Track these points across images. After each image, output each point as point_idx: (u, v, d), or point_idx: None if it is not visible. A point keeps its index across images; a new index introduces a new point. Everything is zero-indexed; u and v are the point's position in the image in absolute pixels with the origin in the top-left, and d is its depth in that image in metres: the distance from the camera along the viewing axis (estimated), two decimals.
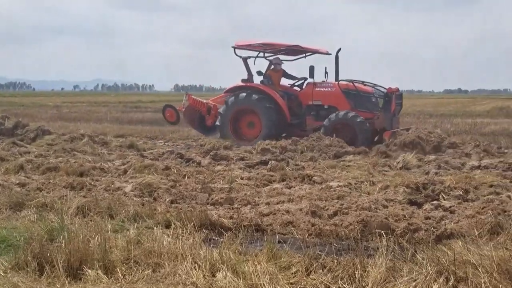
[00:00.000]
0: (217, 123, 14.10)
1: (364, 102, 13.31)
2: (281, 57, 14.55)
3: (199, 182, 7.57)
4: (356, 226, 5.21)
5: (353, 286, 3.66)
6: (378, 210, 5.77)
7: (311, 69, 13.47)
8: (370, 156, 10.48)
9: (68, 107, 36.41)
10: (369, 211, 5.66)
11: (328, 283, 3.70)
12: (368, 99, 13.44)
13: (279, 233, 5.20)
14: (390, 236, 4.85)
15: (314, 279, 3.76)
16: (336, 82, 13.56)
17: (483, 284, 3.55)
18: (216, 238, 4.94)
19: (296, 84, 14.63)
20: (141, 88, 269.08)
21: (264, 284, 3.63)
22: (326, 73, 13.75)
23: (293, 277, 3.84)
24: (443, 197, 6.45)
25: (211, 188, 7.15)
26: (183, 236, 4.74)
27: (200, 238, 4.75)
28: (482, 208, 5.76)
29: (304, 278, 3.82)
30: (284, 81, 14.70)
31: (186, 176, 8.09)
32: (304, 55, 14.53)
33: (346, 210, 5.80)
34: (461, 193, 6.60)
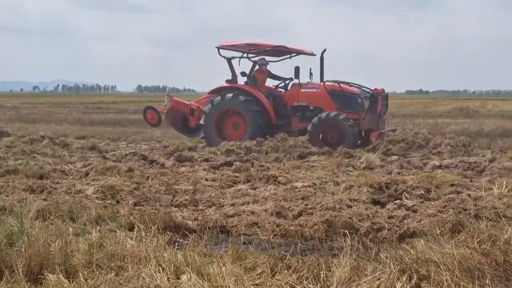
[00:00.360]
0: (201, 123, 13.77)
1: (350, 103, 13.17)
2: (266, 58, 14.36)
3: (163, 184, 7.49)
4: (320, 226, 5.23)
5: (318, 286, 3.68)
6: (342, 210, 5.81)
7: (297, 69, 13.29)
8: (334, 157, 10.56)
9: (27, 108, 35.67)
10: (334, 211, 5.69)
11: (293, 284, 3.70)
12: (354, 100, 13.31)
13: (244, 234, 5.18)
14: (354, 235, 4.90)
15: (279, 280, 3.76)
16: (322, 83, 13.40)
17: (445, 282, 3.61)
18: (181, 240, 4.89)
19: (280, 85, 14.46)
20: (103, 89, 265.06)
21: (229, 286, 3.61)
22: (311, 74, 13.56)
23: (259, 278, 3.83)
24: (406, 197, 6.54)
25: (175, 190, 7.08)
26: (146, 238, 4.68)
27: (164, 240, 4.69)
28: (444, 207, 5.86)
29: (269, 279, 3.81)
30: (269, 82, 14.58)
31: (150, 178, 8.00)
32: (289, 55, 14.31)
33: (311, 210, 5.82)
34: (423, 192, 6.70)
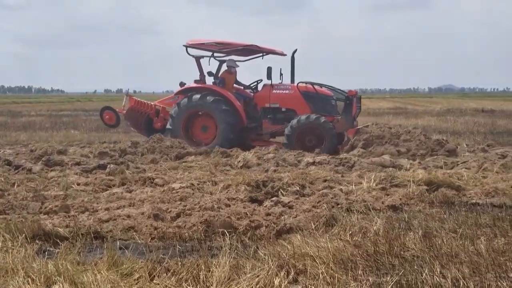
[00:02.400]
0: (168, 126, 13.02)
1: (324, 105, 12.81)
2: (235, 57, 13.77)
3: (30, 190, 7.03)
4: (199, 226, 5.19)
5: (198, 287, 3.63)
6: (221, 210, 5.81)
7: (269, 70, 12.74)
8: (211, 156, 10.57)
9: None
10: (212, 211, 5.68)
11: (172, 287, 3.63)
12: (327, 102, 12.97)
13: (120, 239, 5.00)
14: (233, 234, 4.95)
15: (158, 284, 3.68)
16: (295, 84, 13.00)
17: (320, 275, 3.72)
18: (52, 249, 4.61)
19: (250, 86, 13.86)
20: None
21: None
22: (281, 74, 13.06)
23: (136, 284, 3.72)
24: (282, 193, 6.69)
25: (44, 196, 6.67)
26: (13, 249, 4.36)
27: (33, 250, 4.41)
28: (318, 202, 6.08)
29: (148, 283, 3.72)
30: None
31: (15, 184, 7.47)
32: (261, 55, 13.64)
33: (189, 211, 5.76)
34: (298, 188, 6.90)
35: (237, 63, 13.75)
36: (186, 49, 13.33)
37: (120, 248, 4.48)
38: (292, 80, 13.22)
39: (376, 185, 7.14)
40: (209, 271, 3.80)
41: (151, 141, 11.57)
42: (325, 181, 7.52)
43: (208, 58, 13.46)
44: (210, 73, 13.50)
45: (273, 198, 6.43)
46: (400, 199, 6.45)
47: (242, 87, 13.84)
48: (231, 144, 12.01)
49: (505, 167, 8.61)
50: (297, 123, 12.17)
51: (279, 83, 13.15)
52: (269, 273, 3.70)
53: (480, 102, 46.14)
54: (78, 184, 7.51)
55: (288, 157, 10.14)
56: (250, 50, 13.44)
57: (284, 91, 13.02)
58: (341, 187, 7.13)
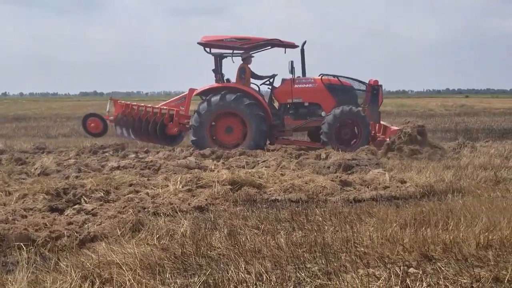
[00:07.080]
0: (192, 122, 12.05)
1: (349, 97, 12.45)
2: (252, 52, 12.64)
3: None
4: None
5: None
6: (16, 221, 5.39)
7: (292, 64, 12.09)
8: (4, 164, 9.74)
9: None
10: (6, 223, 5.25)
11: None
12: (352, 94, 12.60)
13: None
14: (31, 247, 4.65)
15: None
16: (319, 77, 12.52)
17: (127, 282, 3.63)
18: None
19: (264, 83, 12.86)
20: None
21: None
22: (293, 68, 12.20)
23: None
24: (85, 200, 6.42)
25: None
26: None
27: None
28: (124, 208, 5.95)
29: None
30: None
31: None
32: (284, 49, 12.60)
33: None
34: (102, 194, 6.67)
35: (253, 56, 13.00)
36: (204, 48, 12.39)
37: None
38: (303, 73, 12.80)
39: (183, 187, 7.20)
40: None
41: None
42: (131, 185, 7.39)
43: (230, 55, 12.61)
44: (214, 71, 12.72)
45: (75, 206, 6.15)
46: (206, 199, 6.58)
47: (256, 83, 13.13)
48: (259, 148, 11.54)
49: (300, 164, 9.30)
50: (333, 118, 11.93)
51: (298, 77, 12.69)
52: (72, 285, 3.53)
53: None
54: None
55: (91, 162, 9.77)
56: (270, 44, 12.73)
57: (307, 85, 12.59)
58: (148, 190, 7.05)
